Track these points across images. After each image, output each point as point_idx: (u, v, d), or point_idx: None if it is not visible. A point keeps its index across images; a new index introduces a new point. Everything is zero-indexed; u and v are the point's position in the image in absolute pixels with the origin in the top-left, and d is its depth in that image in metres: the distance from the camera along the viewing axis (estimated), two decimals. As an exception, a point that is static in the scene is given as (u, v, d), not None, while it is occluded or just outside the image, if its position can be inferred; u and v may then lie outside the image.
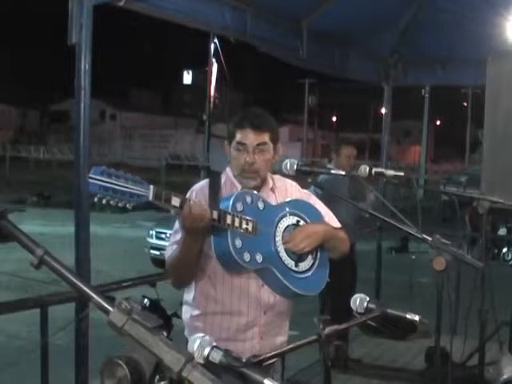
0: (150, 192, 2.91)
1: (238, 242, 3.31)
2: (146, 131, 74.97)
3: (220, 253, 3.39)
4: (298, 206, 3.68)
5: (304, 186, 4.03)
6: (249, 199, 3.44)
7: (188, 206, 3.16)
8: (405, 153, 72.96)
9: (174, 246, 3.52)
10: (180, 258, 3.44)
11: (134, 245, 19.73)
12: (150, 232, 17.31)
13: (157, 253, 16.59)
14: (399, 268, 9.65)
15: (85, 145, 4.84)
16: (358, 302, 2.93)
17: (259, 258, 3.38)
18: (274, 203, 3.62)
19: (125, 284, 6.20)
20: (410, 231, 3.61)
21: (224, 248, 3.33)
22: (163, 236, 16.51)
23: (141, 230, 22.19)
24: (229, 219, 3.29)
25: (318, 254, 3.67)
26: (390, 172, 4.48)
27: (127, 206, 2.81)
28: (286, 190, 3.81)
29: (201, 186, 3.65)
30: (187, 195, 3.52)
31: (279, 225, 3.54)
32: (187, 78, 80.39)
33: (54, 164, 55.37)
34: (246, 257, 3.33)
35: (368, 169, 4.42)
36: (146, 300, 7.15)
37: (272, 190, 3.73)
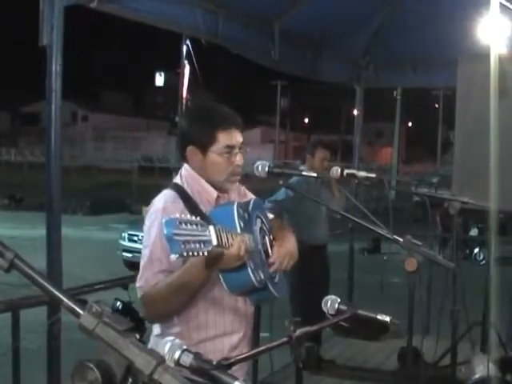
0: (212, 235, 2.60)
1: (251, 264, 3.10)
2: (117, 133, 74.73)
3: (232, 277, 3.13)
4: (258, 207, 3.49)
5: (276, 187, 4.01)
6: (241, 212, 3.19)
7: (237, 243, 2.87)
8: (377, 154, 73.23)
9: (159, 276, 3.17)
10: (182, 288, 3.10)
11: (106, 247, 19.68)
12: (123, 234, 17.31)
13: (129, 255, 16.58)
14: (371, 269, 9.68)
15: (56, 147, 4.81)
16: (329, 304, 2.93)
17: (262, 274, 3.19)
18: (248, 208, 3.38)
19: (97, 287, 6.18)
20: (382, 232, 3.62)
21: (239, 271, 3.07)
22: (135, 238, 16.51)
23: (113, 232, 22.14)
24: None
25: None
26: (362, 173, 4.50)
27: (204, 253, 2.54)
28: (239, 190, 3.65)
29: (171, 200, 3.28)
30: (154, 213, 3.25)
31: (256, 232, 3.34)
32: (159, 79, 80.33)
33: (25, 166, 55.17)
34: (258, 276, 3.13)
35: (340, 170, 4.44)
36: (118, 303, 7.13)
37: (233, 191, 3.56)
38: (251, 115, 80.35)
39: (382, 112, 55.91)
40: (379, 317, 2.94)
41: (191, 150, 3.35)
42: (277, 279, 3.45)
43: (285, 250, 3.44)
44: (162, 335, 3.34)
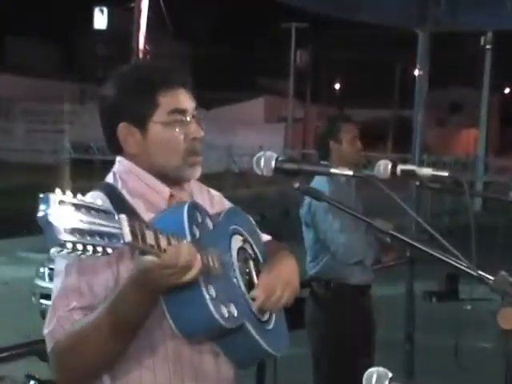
0: (124, 228, 2.67)
1: (212, 291, 3.15)
2: (33, 106, 74.72)
3: (184, 312, 3.18)
4: (235, 219, 3.63)
5: (288, 194, 4.01)
6: (199, 217, 3.29)
7: (176, 248, 2.91)
8: (451, 140, 73.33)
9: (77, 314, 3.28)
10: (112, 328, 3.11)
11: (14, 290, 19.70)
12: (41, 270, 17.21)
13: (50, 303, 16.54)
14: (443, 325, 9.70)
15: None
16: (374, 380, 2.94)
17: (233, 310, 3.24)
18: (218, 218, 3.51)
19: (0, 356, 6.18)
20: (459, 266, 3.62)
21: (194, 302, 3.14)
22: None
23: (25, 265, 22.15)
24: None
25: None
26: (427, 171, 4.51)
27: (107, 251, 2.53)
28: (211, 198, 3.82)
29: None
30: None
31: (232, 251, 3.46)
32: (100, 19, 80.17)
33: None
34: (224, 311, 3.17)
35: (391, 166, 4.44)
36: (32, 382, 7.15)
37: (191, 193, 3.69)
38: (251, 78, 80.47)
39: (461, 73, 56.05)
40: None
41: (124, 129, 3.50)
42: (271, 325, 3.53)
43: (276, 277, 3.51)
44: None
